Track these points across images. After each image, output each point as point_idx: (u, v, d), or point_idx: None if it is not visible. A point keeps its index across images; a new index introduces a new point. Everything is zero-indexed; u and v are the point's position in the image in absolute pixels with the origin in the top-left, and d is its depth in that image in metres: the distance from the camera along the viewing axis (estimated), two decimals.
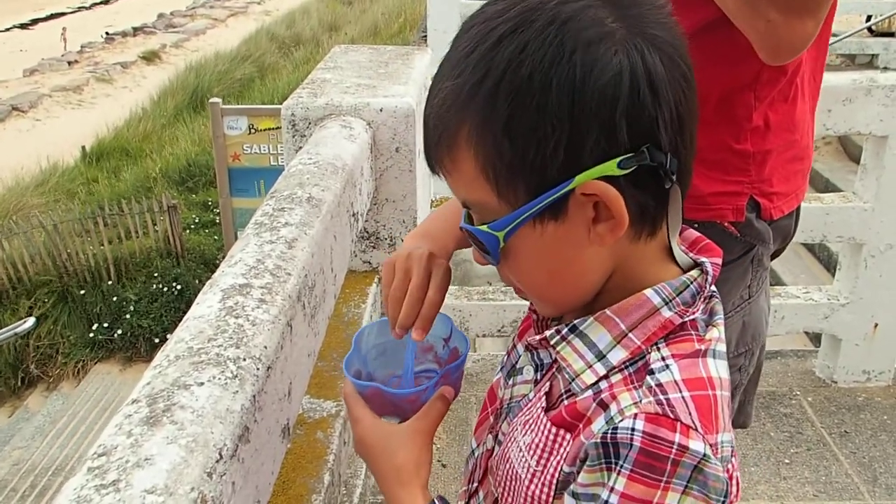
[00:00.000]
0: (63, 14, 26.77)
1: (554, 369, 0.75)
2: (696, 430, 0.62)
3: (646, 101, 0.62)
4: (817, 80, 1.31)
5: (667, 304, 0.69)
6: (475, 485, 0.86)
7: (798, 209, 1.35)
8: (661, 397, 0.64)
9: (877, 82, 2.55)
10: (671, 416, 0.62)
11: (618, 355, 0.69)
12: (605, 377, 0.69)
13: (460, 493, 0.89)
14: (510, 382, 0.82)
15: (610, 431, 0.63)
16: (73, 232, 8.43)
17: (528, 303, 0.81)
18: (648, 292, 0.69)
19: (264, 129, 6.29)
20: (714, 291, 0.73)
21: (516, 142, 0.63)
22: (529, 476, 0.72)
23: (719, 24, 1.12)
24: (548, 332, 0.74)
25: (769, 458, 2.61)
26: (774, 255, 1.38)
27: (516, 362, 0.82)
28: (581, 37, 0.61)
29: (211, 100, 6.61)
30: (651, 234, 0.69)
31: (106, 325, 8.09)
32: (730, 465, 0.64)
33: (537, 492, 0.71)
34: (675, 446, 0.61)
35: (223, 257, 1.22)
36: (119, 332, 8.02)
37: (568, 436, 0.69)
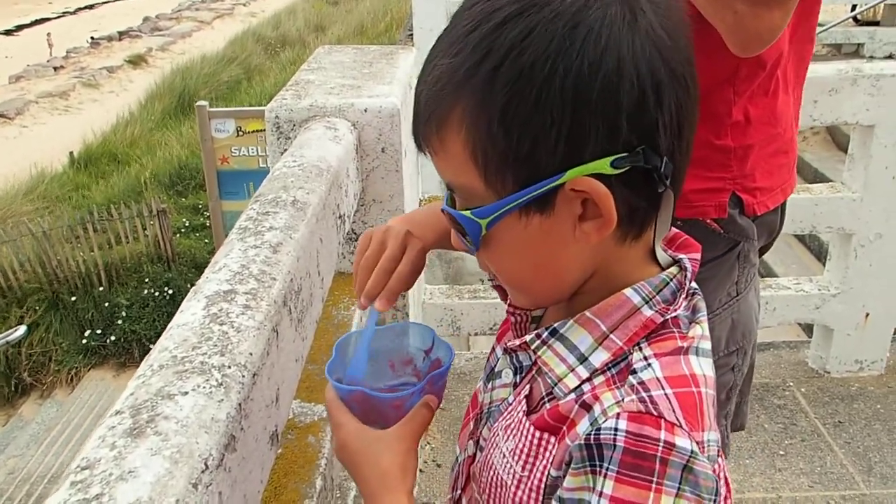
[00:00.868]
0: (48, 19, 26.66)
1: (533, 372, 0.74)
2: (682, 427, 0.61)
3: (649, 102, 0.61)
4: (801, 73, 1.30)
5: (647, 302, 0.68)
6: (458, 492, 0.84)
7: (784, 204, 1.34)
8: (644, 395, 0.62)
9: (862, 72, 2.55)
10: (654, 413, 0.61)
11: (600, 357, 0.67)
12: (588, 379, 0.67)
13: (446, 500, 0.88)
14: (489, 386, 0.81)
15: (593, 433, 0.62)
16: (63, 238, 8.39)
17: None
18: (628, 292, 0.68)
19: (252, 132, 6.27)
20: (696, 288, 0.72)
21: (511, 130, 0.61)
22: (515, 482, 0.70)
23: (693, 19, 1.11)
24: (528, 337, 0.72)
25: (763, 450, 2.61)
26: (763, 251, 1.37)
27: (495, 366, 0.81)
28: (589, 30, 0.59)
29: (198, 103, 6.59)
30: (637, 236, 0.68)
31: (98, 331, 8.06)
32: (716, 465, 0.63)
33: (525, 498, 0.69)
34: (661, 444, 0.60)
35: None
36: (112, 337, 8.00)
37: (553, 439, 0.68)
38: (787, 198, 1.33)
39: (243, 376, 0.92)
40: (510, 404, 0.75)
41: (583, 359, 0.68)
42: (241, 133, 6.30)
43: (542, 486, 0.68)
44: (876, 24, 9.02)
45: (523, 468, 0.70)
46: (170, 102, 14.20)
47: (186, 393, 0.85)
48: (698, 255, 0.72)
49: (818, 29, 1.33)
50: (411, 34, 6.97)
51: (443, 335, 3.28)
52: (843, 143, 6.05)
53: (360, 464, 0.78)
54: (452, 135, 0.64)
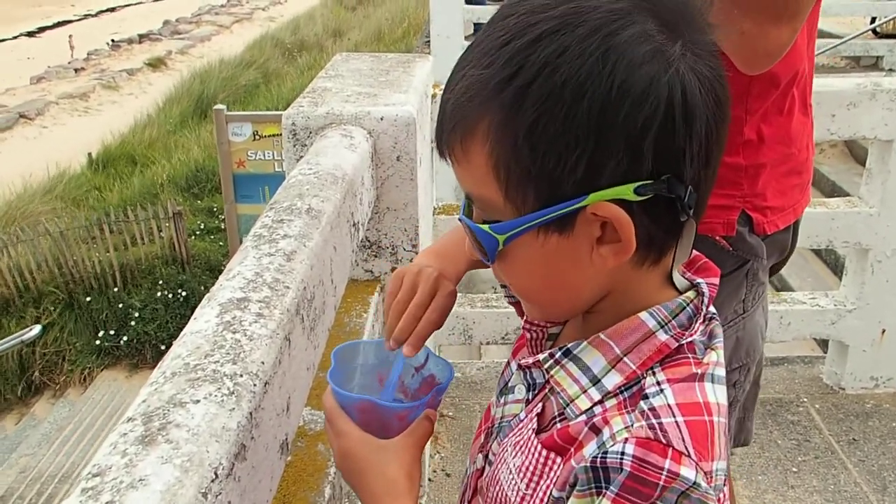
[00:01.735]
0: (69, 22, 26.91)
1: (546, 390, 0.74)
2: (690, 456, 0.60)
3: (678, 131, 0.60)
4: (808, 93, 1.29)
5: (662, 327, 0.67)
6: None
7: (797, 223, 1.33)
8: (654, 421, 0.62)
9: (881, 86, 2.53)
10: (663, 441, 0.61)
11: (613, 380, 0.67)
12: (600, 402, 0.67)
13: None
14: (502, 401, 0.81)
15: (600, 456, 0.61)
16: (79, 239, 8.46)
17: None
18: (643, 315, 0.67)
19: (269, 136, 6.29)
20: (713, 313, 0.71)
21: (536, 148, 0.61)
22: (518, 499, 0.70)
23: None
24: (541, 356, 0.72)
25: (776, 466, 2.59)
26: (775, 269, 1.36)
27: (509, 380, 0.81)
28: (623, 53, 0.59)
29: (215, 106, 6.63)
30: (655, 262, 0.67)
31: (112, 331, 8.11)
32: (721, 494, 0.62)
33: None
34: (664, 472, 0.59)
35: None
36: (125, 338, 8.04)
37: (559, 459, 0.68)
38: (799, 217, 1.32)
39: (255, 385, 0.92)
40: (521, 421, 0.75)
41: (595, 381, 0.68)
42: (257, 137, 6.32)
43: None
44: (895, 36, 8.96)
45: (527, 486, 0.70)
46: (188, 105, 14.29)
47: (198, 401, 0.86)
48: (717, 280, 0.72)
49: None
50: (428, 41, 6.97)
51: (454, 343, 3.24)
52: (861, 155, 6.00)
53: (364, 472, 0.78)
54: (477, 147, 0.64)
